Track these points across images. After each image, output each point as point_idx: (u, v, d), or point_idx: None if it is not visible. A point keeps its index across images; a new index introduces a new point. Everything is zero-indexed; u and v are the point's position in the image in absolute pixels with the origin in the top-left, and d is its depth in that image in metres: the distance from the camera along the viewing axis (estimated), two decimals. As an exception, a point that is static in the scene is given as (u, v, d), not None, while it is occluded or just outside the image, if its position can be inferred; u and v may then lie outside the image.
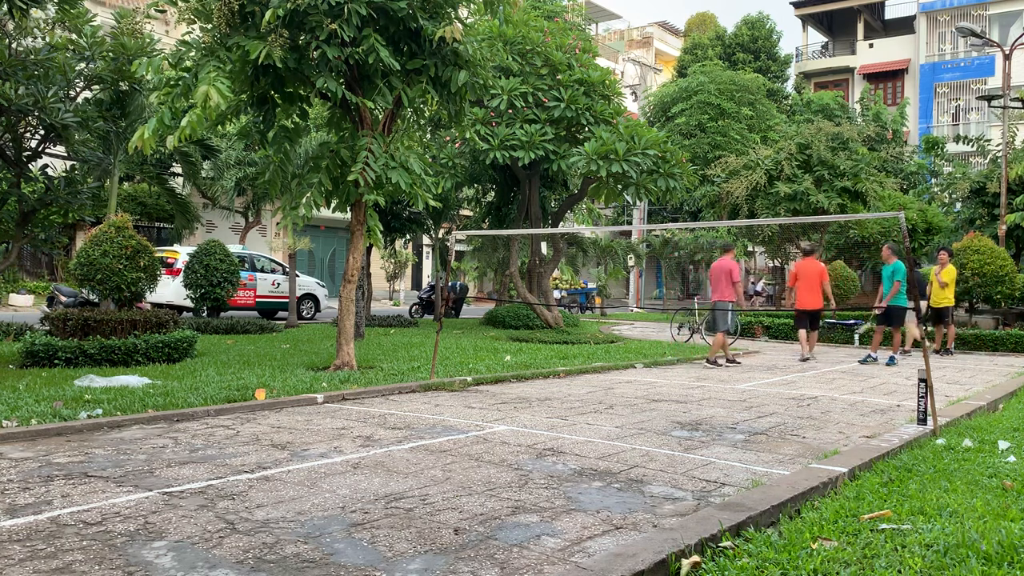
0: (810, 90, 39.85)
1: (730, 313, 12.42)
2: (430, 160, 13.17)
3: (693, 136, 33.38)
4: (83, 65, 11.96)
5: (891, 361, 12.72)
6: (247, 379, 8.34)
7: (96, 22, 12.26)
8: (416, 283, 39.57)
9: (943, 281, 14.33)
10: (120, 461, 5.06)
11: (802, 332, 13.41)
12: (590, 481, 4.77)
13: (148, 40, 12.43)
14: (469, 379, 9.17)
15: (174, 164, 19.21)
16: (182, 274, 15.81)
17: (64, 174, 11.97)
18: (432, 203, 9.70)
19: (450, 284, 25.08)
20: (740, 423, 6.95)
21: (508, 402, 7.92)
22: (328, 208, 9.84)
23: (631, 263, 35.51)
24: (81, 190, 11.53)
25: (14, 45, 10.84)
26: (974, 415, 7.42)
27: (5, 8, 9.17)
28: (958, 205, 25.11)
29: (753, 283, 37.87)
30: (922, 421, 6.67)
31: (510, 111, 15.80)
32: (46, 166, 12.14)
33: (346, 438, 5.94)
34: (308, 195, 9.28)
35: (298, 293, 19.86)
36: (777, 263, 32.92)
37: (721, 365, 12.21)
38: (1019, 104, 22.42)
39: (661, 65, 51.88)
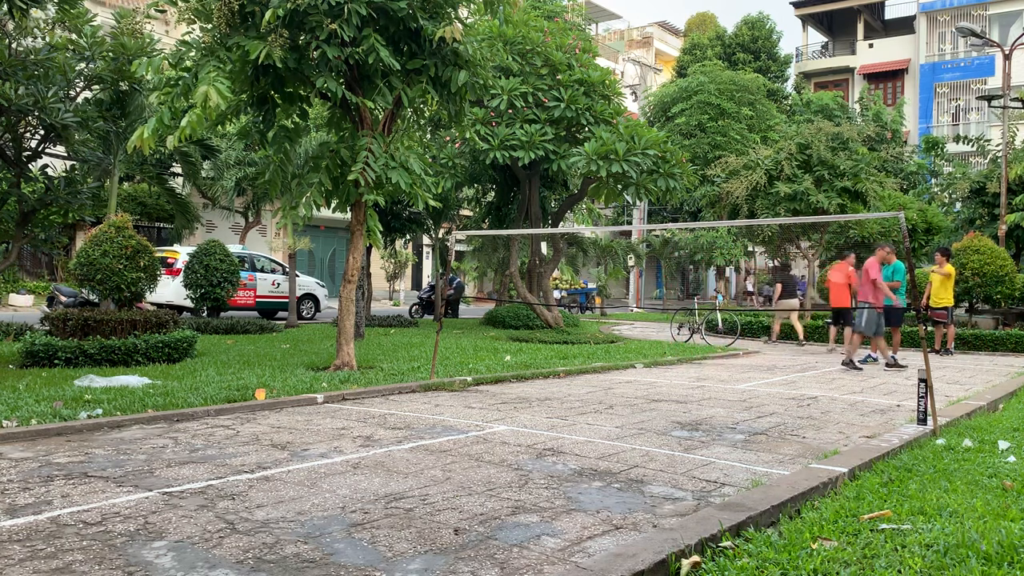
0: (810, 90, 39.86)
1: (867, 313, 12.00)
2: (430, 160, 13.17)
3: (693, 136, 33.38)
4: (83, 65, 11.95)
5: (875, 361, 12.71)
6: (247, 379, 8.34)
7: (96, 22, 12.26)
8: (416, 283, 39.57)
9: (945, 272, 14.29)
10: (120, 461, 5.06)
11: (833, 329, 15.40)
12: (590, 481, 4.77)
13: (148, 40, 12.43)
14: (469, 379, 9.17)
15: (174, 164, 19.22)
16: (182, 274, 15.81)
17: (64, 174, 11.98)
18: (432, 203, 9.70)
19: (450, 277, 25.06)
20: (740, 423, 6.95)
21: (508, 402, 7.92)
22: (328, 208, 9.84)
23: (631, 263, 35.52)
24: (81, 190, 11.52)
25: (14, 45, 10.84)
26: (974, 415, 7.42)
27: (5, 8, 9.17)
28: (958, 205, 25.11)
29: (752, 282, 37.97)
30: (922, 421, 6.67)
31: (510, 111, 15.79)
32: (46, 166, 12.14)
33: (346, 438, 5.94)
34: (308, 195, 9.28)
35: (298, 293, 19.86)
36: (777, 263, 32.88)
37: (882, 364, 11.99)
38: (1019, 104, 22.42)
39: (661, 65, 51.89)
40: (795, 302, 16.59)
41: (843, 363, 12.03)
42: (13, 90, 10.07)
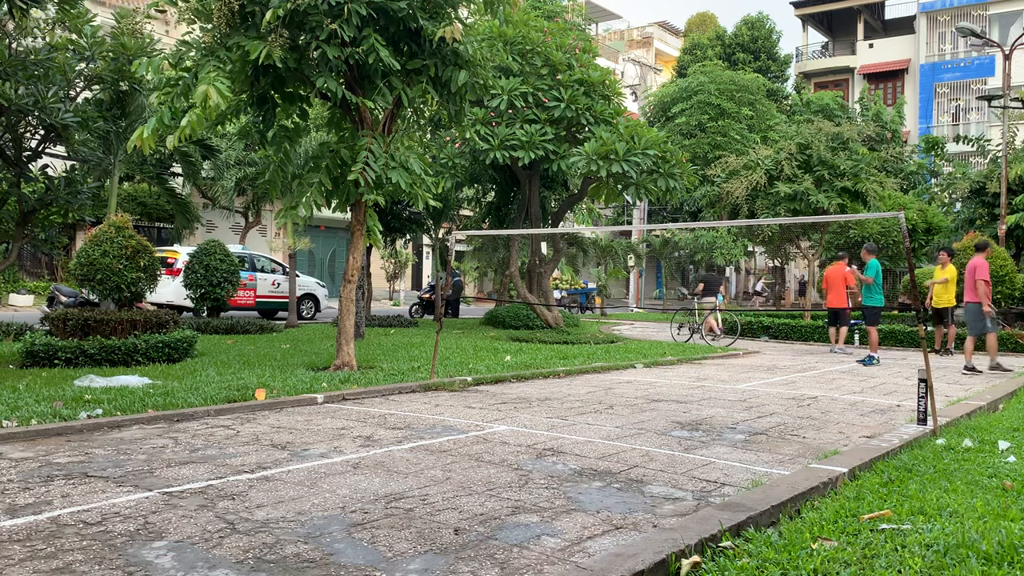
0: (810, 90, 39.86)
1: (976, 313, 11.59)
2: (430, 160, 13.16)
3: (693, 136, 33.37)
4: (83, 65, 11.95)
5: (869, 361, 12.69)
6: (247, 379, 8.34)
7: (96, 22, 12.25)
8: (416, 283, 39.57)
9: (943, 277, 14.31)
10: (120, 461, 5.06)
11: (832, 329, 15.44)
12: (590, 481, 4.77)
13: (148, 40, 12.43)
14: (469, 379, 9.17)
15: (174, 164, 19.21)
16: (182, 274, 15.81)
17: (64, 174, 11.98)
18: (432, 203, 9.70)
19: (452, 274, 25.09)
20: (740, 423, 6.95)
21: (508, 402, 7.92)
22: (328, 208, 9.84)
23: (631, 263, 35.52)
24: (81, 190, 11.52)
25: (14, 45, 10.83)
26: (974, 415, 7.42)
27: (5, 8, 9.17)
28: (958, 205, 25.11)
29: (754, 283, 37.91)
30: (922, 421, 6.67)
31: (510, 111, 15.79)
32: (46, 166, 12.15)
33: (346, 438, 5.94)
34: (308, 195, 9.28)
35: (298, 293, 19.85)
36: (777, 263, 32.88)
37: (980, 371, 11.45)
38: (1019, 104, 22.42)
39: (661, 65, 51.88)
40: (715, 300, 17.99)
41: (965, 369, 11.57)
42: (13, 90, 10.07)
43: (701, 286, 17.69)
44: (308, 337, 14.39)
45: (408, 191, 9.19)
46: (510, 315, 18.67)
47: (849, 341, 16.33)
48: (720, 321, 18.94)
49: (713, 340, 16.81)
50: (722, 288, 18.70)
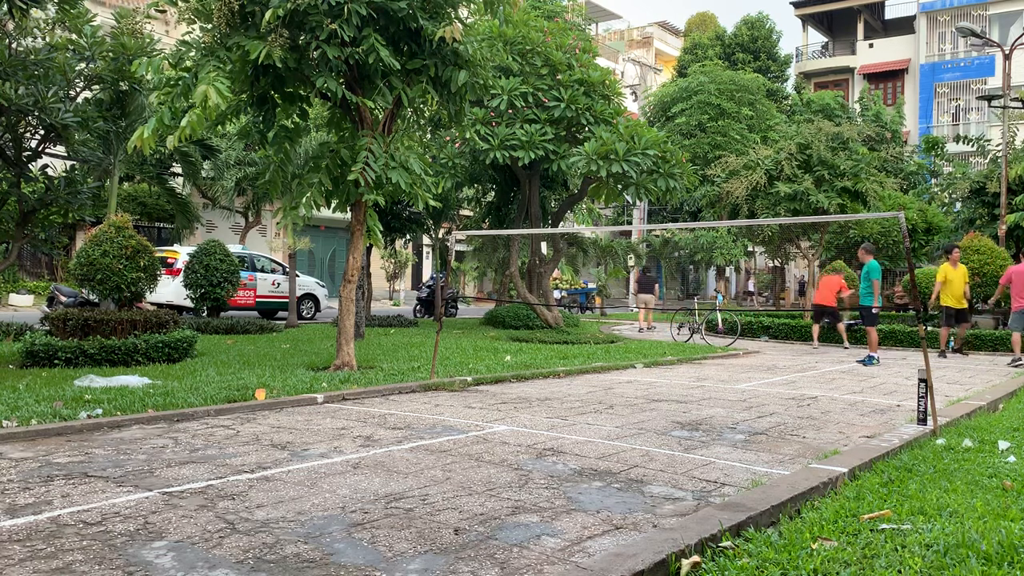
0: (810, 90, 39.84)
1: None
2: (430, 160, 13.16)
3: (693, 136, 33.36)
4: (83, 65, 11.95)
5: (869, 361, 12.69)
6: (247, 379, 8.34)
7: (96, 22, 12.26)
8: (416, 283, 39.58)
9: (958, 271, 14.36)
10: (120, 461, 5.06)
11: (816, 327, 16.13)
12: (590, 481, 4.77)
13: (148, 40, 12.44)
14: (469, 379, 9.16)
15: (174, 164, 19.21)
16: (182, 274, 15.81)
17: (64, 174, 11.98)
18: (432, 203, 9.70)
19: (434, 277, 25.23)
20: (740, 423, 6.95)
21: (508, 402, 7.92)
22: (328, 208, 9.84)
23: (631, 263, 35.52)
24: (81, 190, 11.52)
25: (14, 45, 10.83)
26: (974, 415, 7.42)
27: (5, 8, 9.17)
28: (958, 205, 25.11)
29: (753, 283, 37.92)
30: (922, 421, 6.67)
31: (510, 111, 15.79)
32: (46, 166, 12.14)
33: (346, 438, 5.94)
34: (308, 195, 9.28)
35: (298, 293, 19.85)
36: (777, 263, 32.87)
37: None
38: (1019, 104, 22.42)
39: (661, 65, 51.88)
40: (650, 297, 20.07)
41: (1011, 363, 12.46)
42: (13, 90, 10.06)
43: (635, 286, 19.00)
44: (308, 337, 14.38)
45: (408, 191, 9.19)
46: (510, 315, 18.68)
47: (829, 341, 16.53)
48: (721, 320, 19.00)
49: (639, 332, 18.50)
50: (720, 287, 19.09)
